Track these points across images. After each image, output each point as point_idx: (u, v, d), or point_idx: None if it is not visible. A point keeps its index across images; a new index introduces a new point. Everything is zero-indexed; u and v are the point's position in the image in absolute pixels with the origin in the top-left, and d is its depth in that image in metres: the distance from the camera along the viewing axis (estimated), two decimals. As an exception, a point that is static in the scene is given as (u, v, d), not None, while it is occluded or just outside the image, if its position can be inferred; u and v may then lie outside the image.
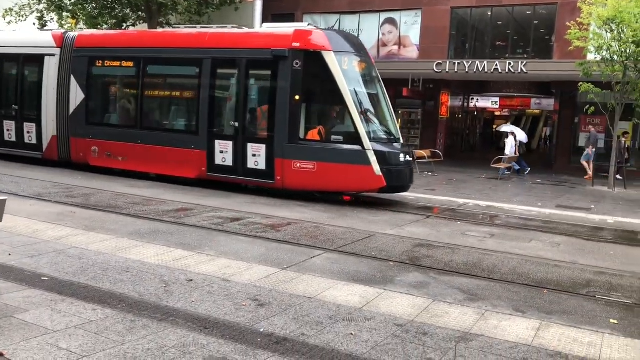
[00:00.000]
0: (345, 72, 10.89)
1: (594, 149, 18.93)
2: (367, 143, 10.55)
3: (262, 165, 11.37)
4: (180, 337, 4.28)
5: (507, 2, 21.16)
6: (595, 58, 16.25)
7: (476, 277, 6.49)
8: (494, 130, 34.29)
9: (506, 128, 21.59)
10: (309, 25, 12.11)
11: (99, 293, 5.19)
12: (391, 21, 22.57)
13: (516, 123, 33.15)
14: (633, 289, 6.41)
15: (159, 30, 13.95)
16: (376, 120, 11.30)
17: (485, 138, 33.95)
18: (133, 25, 22.40)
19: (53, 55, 14.04)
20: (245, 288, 5.54)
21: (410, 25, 22.10)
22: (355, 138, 10.65)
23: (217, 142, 11.86)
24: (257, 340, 4.32)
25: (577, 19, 16.12)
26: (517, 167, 19.45)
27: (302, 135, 11.21)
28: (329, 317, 4.89)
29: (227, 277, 5.87)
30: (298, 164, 10.97)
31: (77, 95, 13.73)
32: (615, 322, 5.22)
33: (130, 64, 13.29)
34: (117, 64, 13.50)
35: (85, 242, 6.98)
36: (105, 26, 21.36)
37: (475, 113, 31.64)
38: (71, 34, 14.26)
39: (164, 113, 13.59)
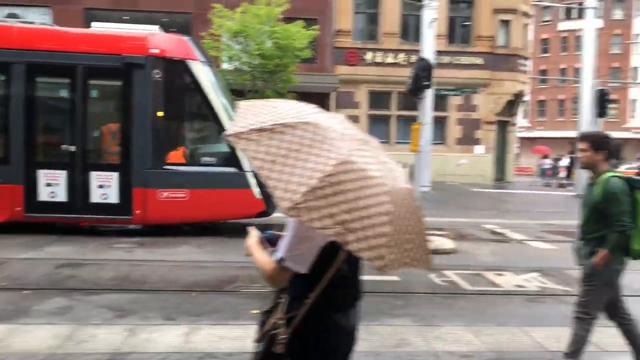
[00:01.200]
0: (213, 84, 9.70)
1: None
2: (244, 164, 9.33)
3: (113, 198, 9.26)
4: None
5: (144, 6, 21.21)
6: (229, 67, 17.66)
7: (125, 291, 6.26)
8: None
9: None
10: (158, 28, 9.98)
11: None
12: (15, 17, 20.14)
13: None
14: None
15: None
16: None
17: None
18: None
19: None
20: None
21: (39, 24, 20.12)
22: (231, 159, 9.39)
23: (41, 172, 9.20)
24: None
25: (210, 30, 17.23)
26: None
27: (166, 158, 9.49)
28: (-59, 374, 3.98)
29: None
30: (165, 194, 9.25)
31: None
32: (256, 311, 5.66)
33: None
34: None
35: None
36: None
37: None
38: None
39: None
